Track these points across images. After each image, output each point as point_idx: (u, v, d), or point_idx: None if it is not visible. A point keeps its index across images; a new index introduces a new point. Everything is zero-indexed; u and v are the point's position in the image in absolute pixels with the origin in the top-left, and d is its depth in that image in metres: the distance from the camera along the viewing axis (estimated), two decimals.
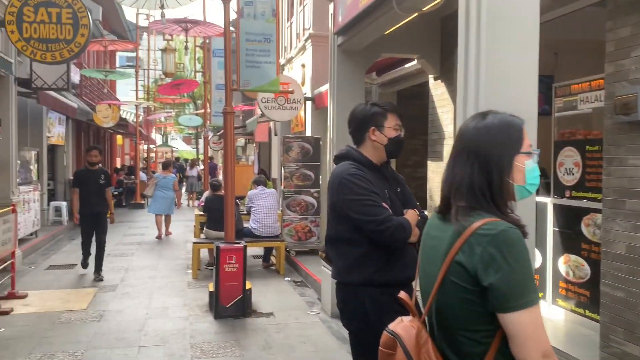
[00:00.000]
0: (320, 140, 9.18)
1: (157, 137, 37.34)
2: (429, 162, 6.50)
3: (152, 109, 22.19)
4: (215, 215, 8.02)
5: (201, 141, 44.36)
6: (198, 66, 20.75)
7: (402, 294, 1.68)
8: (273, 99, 8.97)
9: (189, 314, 5.94)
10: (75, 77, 14.69)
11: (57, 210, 12.88)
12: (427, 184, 6.56)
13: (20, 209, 9.24)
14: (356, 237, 2.50)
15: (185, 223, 14.09)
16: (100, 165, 7.83)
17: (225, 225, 6.25)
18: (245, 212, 8.67)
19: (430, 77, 6.48)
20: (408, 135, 2.94)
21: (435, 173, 6.32)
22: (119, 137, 29.51)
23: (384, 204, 2.47)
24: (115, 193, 18.93)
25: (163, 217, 11.81)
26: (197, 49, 19.66)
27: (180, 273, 8.09)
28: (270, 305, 6.27)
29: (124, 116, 18.05)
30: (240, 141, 24.94)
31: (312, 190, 9.05)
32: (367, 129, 2.60)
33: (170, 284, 7.40)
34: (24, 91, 9.11)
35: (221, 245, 5.88)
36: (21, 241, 9.38)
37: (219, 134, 24.10)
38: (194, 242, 7.97)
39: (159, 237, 11.66)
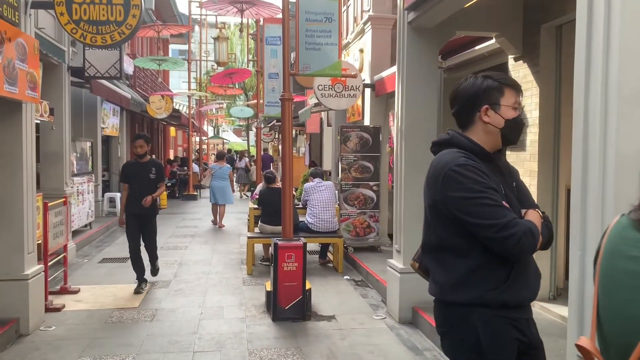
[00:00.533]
0: (380, 130, 8.62)
1: (208, 129, 37.64)
2: (507, 153, 5.83)
3: (204, 100, 22.13)
4: (270, 209, 7.63)
5: (252, 133, 44.55)
6: (250, 57, 20.48)
7: (584, 341, 1.14)
8: (330, 86, 8.47)
9: (245, 315, 5.54)
10: (129, 68, 14.68)
11: (112, 201, 12.89)
12: None
13: (75, 200, 9.15)
14: (465, 244, 1.96)
15: (237, 215, 13.86)
16: (152, 156, 7.28)
17: (282, 220, 5.82)
18: (300, 206, 8.23)
19: (510, 58, 5.80)
20: None
21: (517, 165, 5.66)
22: (172, 129, 29.85)
23: (504, 203, 1.93)
24: (169, 184, 18.99)
25: (218, 207, 12.08)
26: (249, 39, 19.38)
27: (235, 269, 7.75)
28: (331, 308, 5.80)
29: (176, 107, 17.99)
30: None
31: (371, 183, 8.51)
32: (478, 108, 2.05)
33: (225, 280, 7.05)
34: (76, 81, 8.99)
35: (279, 242, 5.45)
36: (75, 233, 9.31)
37: (269, 125, 23.90)
38: (249, 237, 7.59)
39: (213, 222, 12.14)
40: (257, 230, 8.09)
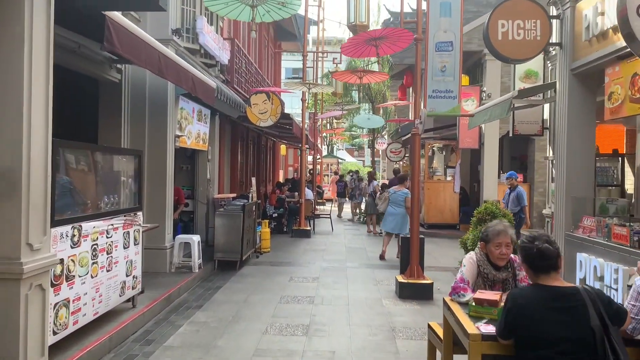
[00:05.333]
0: None
1: (322, 148, 33.36)
2: None
3: (320, 106, 17.45)
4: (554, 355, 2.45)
5: (368, 151, 39.56)
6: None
7: None
8: None
9: None
10: (223, 54, 10.38)
11: (187, 247, 8.44)
12: None
13: (79, 269, 4.61)
14: None
15: (371, 276, 8.79)
16: None
17: None
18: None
19: None
20: None
21: None
22: (282, 147, 25.81)
23: None
24: (275, 215, 14.51)
25: (393, 236, 10.32)
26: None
27: None
28: None
29: (287, 112, 13.38)
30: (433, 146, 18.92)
31: None
32: None
33: None
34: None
35: None
36: (89, 329, 4.73)
37: (404, 138, 18.74)
38: None
39: (381, 258, 10.32)
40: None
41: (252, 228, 10.03)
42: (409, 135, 17.28)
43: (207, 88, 7.06)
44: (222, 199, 10.71)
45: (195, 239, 8.24)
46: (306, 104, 13.65)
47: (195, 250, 8.16)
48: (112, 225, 5.24)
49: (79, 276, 4.57)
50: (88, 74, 7.12)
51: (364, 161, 46.00)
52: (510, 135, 10.28)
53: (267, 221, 11.39)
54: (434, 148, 19.58)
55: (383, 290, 7.71)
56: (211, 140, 10.88)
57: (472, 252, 3.75)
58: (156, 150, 8.07)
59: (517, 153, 16.61)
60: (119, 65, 7.54)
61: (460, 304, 3.47)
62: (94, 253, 4.84)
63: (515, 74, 10.07)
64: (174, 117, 8.44)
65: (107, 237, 5.15)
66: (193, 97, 9.08)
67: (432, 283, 7.33)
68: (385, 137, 26.04)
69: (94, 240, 4.86)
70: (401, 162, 21.56)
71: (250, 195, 10.83)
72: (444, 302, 3.64)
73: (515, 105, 8.15)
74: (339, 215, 20.07)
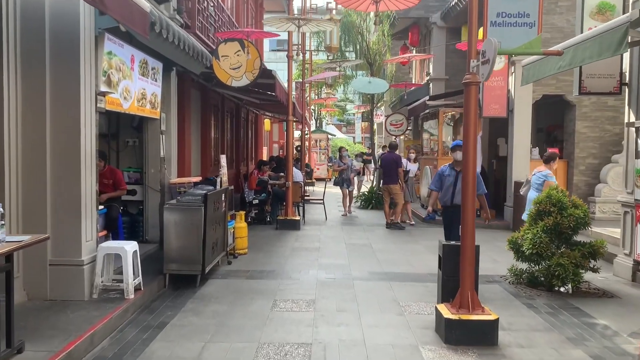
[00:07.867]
0: None
1: (311, 122, 30.44)
2: None
3: (310, 63, 14.50)
4: None
5: (358, 126, 36.78)
6: None
7: None
8: None
9: None
10: None
11: (117, 260, 5.62)
12: None
13: None
14: None
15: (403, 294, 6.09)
16: None
17: None
18: None
19: None
20: None
21: None
22: (266, 121, 22.84)
23: None
24: (256, 202, 11.74)
25: None
26: None
27: None
28: None
29: (269, 69, 10.23)
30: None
31: None
32: None
33: None
34: None
35: None
36: None
37: (410, 106, 15.94)
38: None
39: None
40: None
41: (221, 225, 7.26)
42: (418, 103, 14.49)
43: (128, 4, 4.18)
44: (181, 184, 7.90)
45: (128, 248, 5.42)
46: (292, 58, 10.70)
47: (129, 266, 5.36)
48: None
49: None
50: None
51: (354, 137, 43.25)
52: (576, 94, 7.55)
53: (242, 213, 8.59)
54: (450, 117, 16.65)
55: (415, 327, 5.01)
56: (166, 104, 8.04)
57: None
58: (64, 115, 5.23)
59: (544, 124, 13.96)
60: None
61: None
62: None
63: (584, 10, 7.30)
64: (96, 65, 5.56)
65: None
66: (133, 40, 6.25)
67: (497, 319, 4.65)
68: (382, 109, 23.24)
69: None
70: (402, 136, 18.84)
71: (218, 179, 8.04)
72: None
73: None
74: (349, 211, 13.91)
